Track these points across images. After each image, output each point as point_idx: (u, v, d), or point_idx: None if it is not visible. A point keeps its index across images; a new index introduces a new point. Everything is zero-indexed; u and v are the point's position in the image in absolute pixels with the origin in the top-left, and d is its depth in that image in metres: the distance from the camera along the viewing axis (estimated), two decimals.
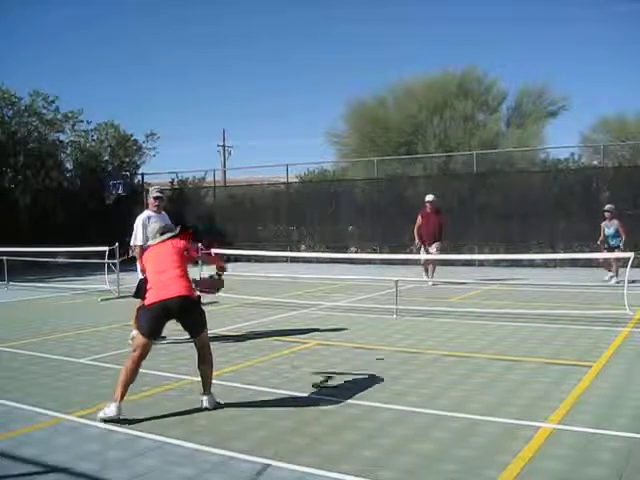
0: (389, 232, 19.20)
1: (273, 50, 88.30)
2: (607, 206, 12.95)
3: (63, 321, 9.40)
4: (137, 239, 7.53)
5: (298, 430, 4.36)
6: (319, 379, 5.60)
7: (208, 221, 22.14)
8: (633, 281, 10.05)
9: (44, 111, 22.69)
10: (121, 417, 4.52)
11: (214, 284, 5.95)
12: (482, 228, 17.98)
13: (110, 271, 12.60)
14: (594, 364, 6.01)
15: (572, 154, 20.82)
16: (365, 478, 3.55)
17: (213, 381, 5.00)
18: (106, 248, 12.50)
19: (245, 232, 21.36)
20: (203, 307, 4.96)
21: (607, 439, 4.05)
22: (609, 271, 12.65)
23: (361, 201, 20.90)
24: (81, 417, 4.71)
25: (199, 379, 4.95)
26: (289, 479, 3.59)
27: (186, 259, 5.09)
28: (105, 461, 3.86)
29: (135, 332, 7.19)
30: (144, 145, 25.33)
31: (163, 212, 7.75)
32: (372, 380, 5.59)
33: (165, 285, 4.79)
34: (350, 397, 5.06)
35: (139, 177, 24.32)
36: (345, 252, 19.12)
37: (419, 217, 13.07)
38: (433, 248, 12.80)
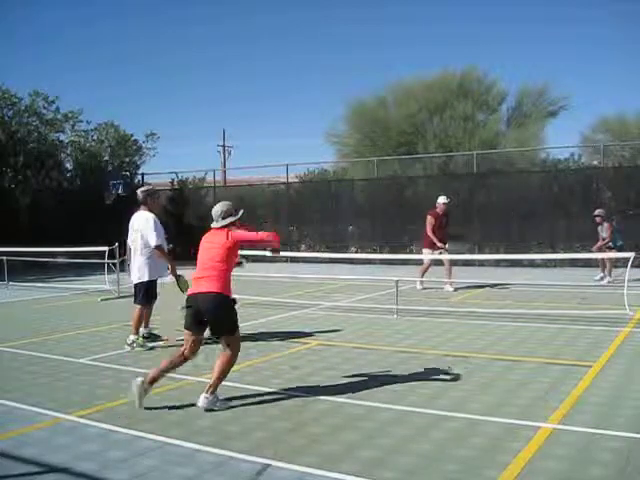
0: (389, 232, 19.21)
1: (273, 50, 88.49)
2: (597, 211, 13.11)
3: (63, 321, 9.39)
4: (160, 237, 7.12)
5: (298, 430, 4.36)
6: (319, 379, 5.60)
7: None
8: (634, 280, 10.04)
9: (44, 111, 22.74)
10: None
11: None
12: (482, 228, 17.99)
13: (110, 271, 12.61)
14: (594, 364, 6.01)
15: (572, 154, 20.94)
16: (365, 478, 3.55)
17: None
18: (106, 248, 12.50)
19: None
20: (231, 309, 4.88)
21: (607, 439, 4.05)
22: (602, 271, 12.87)
23: (361, 201, 20.90)
24: (81, 417, 4.71)
25: (200, 379, 4.93)
26: (289, 479, 3.59)
27: (232, 255, 4.98)
28: (105, 461, 3.86)
29: (134, 336, 7.23)
30: (144, 145, 25.43)
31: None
32: (372, 380, 5.59)
33: (199, 280, 4.87)
34: (350, 397, 5.07)
35: (139, 177, 24.32)
36: (345, 252, 19.12)
37: (431, 219, 12.14)
38: (445, 253, 12.31)
